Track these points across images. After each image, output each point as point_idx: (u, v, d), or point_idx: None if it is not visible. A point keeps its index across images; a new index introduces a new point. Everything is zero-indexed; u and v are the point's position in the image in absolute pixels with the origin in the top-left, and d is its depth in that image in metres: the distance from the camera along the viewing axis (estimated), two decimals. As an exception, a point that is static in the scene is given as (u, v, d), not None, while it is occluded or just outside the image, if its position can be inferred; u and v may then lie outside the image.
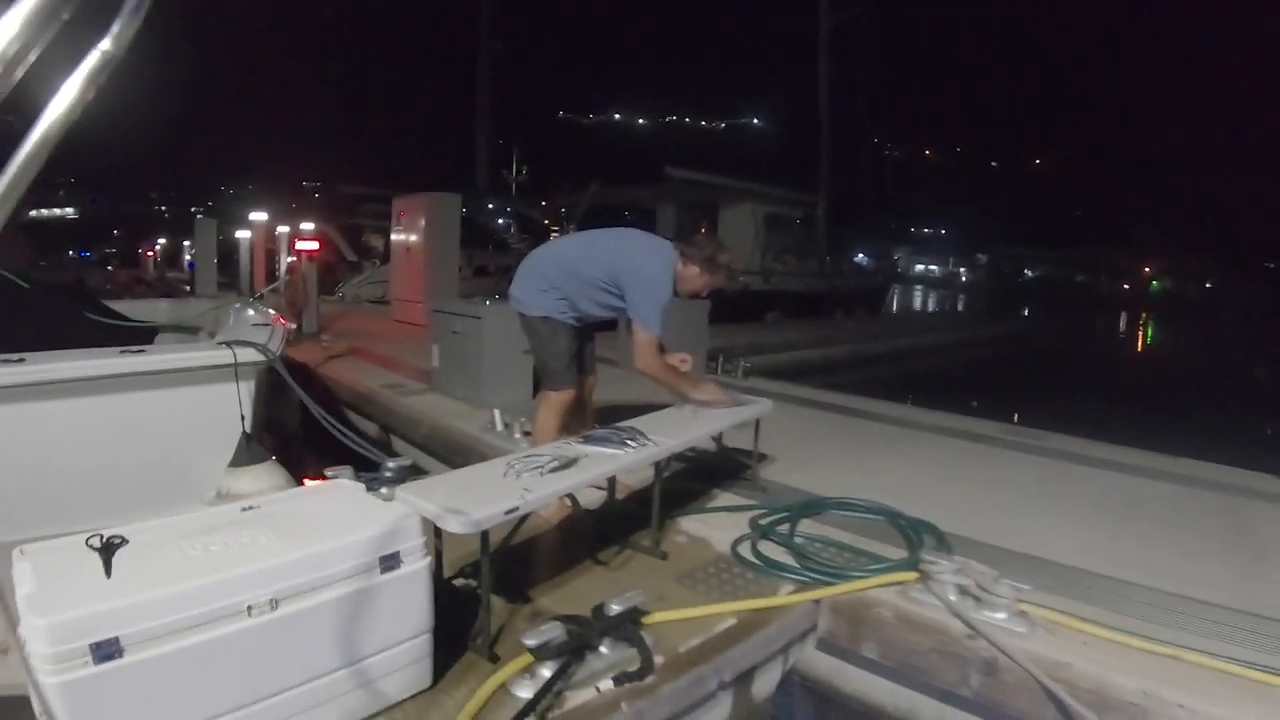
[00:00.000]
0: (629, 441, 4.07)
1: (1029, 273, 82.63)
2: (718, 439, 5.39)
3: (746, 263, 21.64)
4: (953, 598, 3.66)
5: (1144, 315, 60.03)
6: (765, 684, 3.78)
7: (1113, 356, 33.42)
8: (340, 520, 2.75)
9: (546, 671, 2.89)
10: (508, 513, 3.14)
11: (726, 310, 14.81)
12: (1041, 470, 6.37)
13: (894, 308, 37.47)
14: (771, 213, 24.13)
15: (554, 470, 3.61)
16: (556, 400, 4.66)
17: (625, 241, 4.70)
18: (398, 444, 7.75)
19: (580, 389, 4.82)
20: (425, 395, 8.30)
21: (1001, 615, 3.55)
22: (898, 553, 4.19)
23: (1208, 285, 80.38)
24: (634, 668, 3.05)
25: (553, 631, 2.99)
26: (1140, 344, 42.71)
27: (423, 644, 2.84)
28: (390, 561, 2.68)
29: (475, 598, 3.28)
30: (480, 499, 3.14)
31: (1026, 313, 47.33)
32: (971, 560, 3.89)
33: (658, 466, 4.26)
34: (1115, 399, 16.77)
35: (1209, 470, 6.49)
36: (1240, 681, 3.14)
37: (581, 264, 4.62)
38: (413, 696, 2.82)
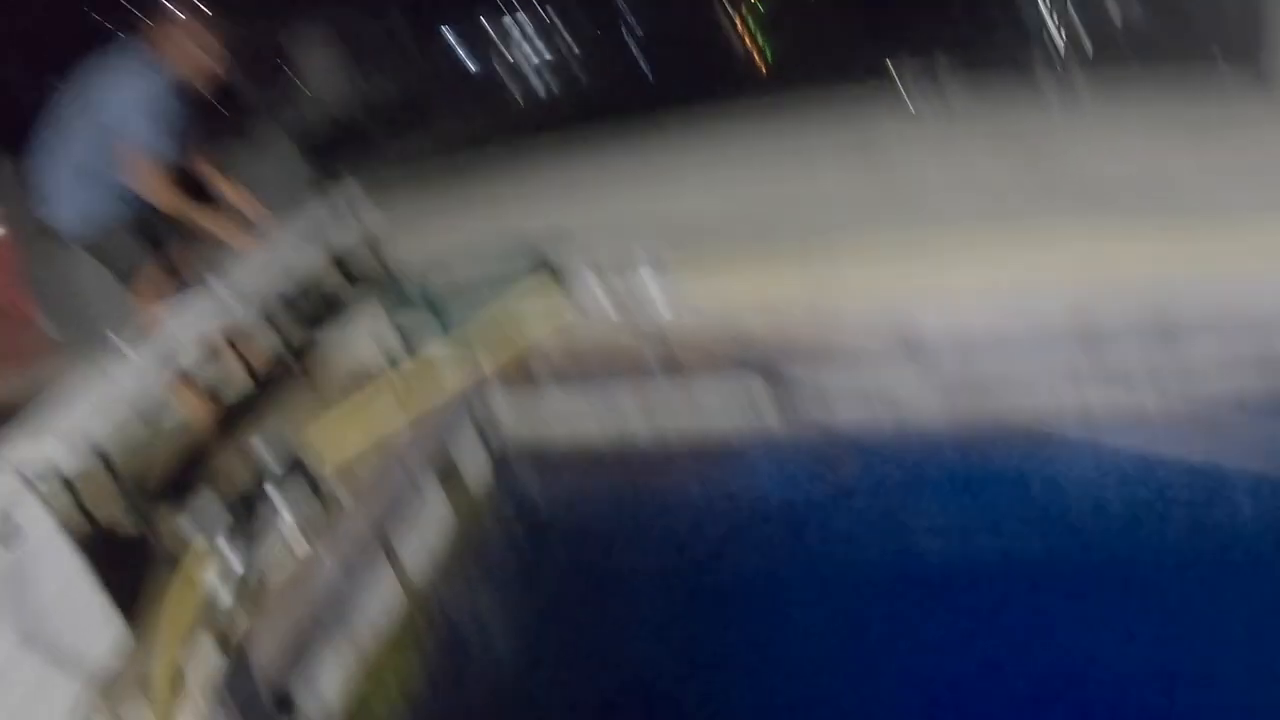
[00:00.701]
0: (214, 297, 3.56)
1: None
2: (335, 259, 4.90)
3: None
4: (601, 295, 3.71)
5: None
6: (469, 461, 3.69)
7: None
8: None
9: (228, 548, 2.62)
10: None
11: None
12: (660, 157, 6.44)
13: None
14: None
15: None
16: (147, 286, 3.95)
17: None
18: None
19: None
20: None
21: (652, 293, 3.65)
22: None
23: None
24: (313, 502, 2.87)
25: (209, 505, 2.69)
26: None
27: (99, 600, 2.45)
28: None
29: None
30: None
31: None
32: (617, 250, 3.86)
33: (258, 307, 3.82)
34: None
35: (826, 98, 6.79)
36: (878, 252, 3.56)
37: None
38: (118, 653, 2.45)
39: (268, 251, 3.98)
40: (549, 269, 3.92)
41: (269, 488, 2.81)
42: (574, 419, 3.76)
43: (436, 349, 3.73)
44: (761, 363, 3.35)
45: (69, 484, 2.63)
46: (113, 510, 3.04)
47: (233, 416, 3.90)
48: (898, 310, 3.30)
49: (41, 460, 2.42)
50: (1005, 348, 3.21)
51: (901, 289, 3.39)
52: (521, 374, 3.71)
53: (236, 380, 4.17)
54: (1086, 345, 3.12)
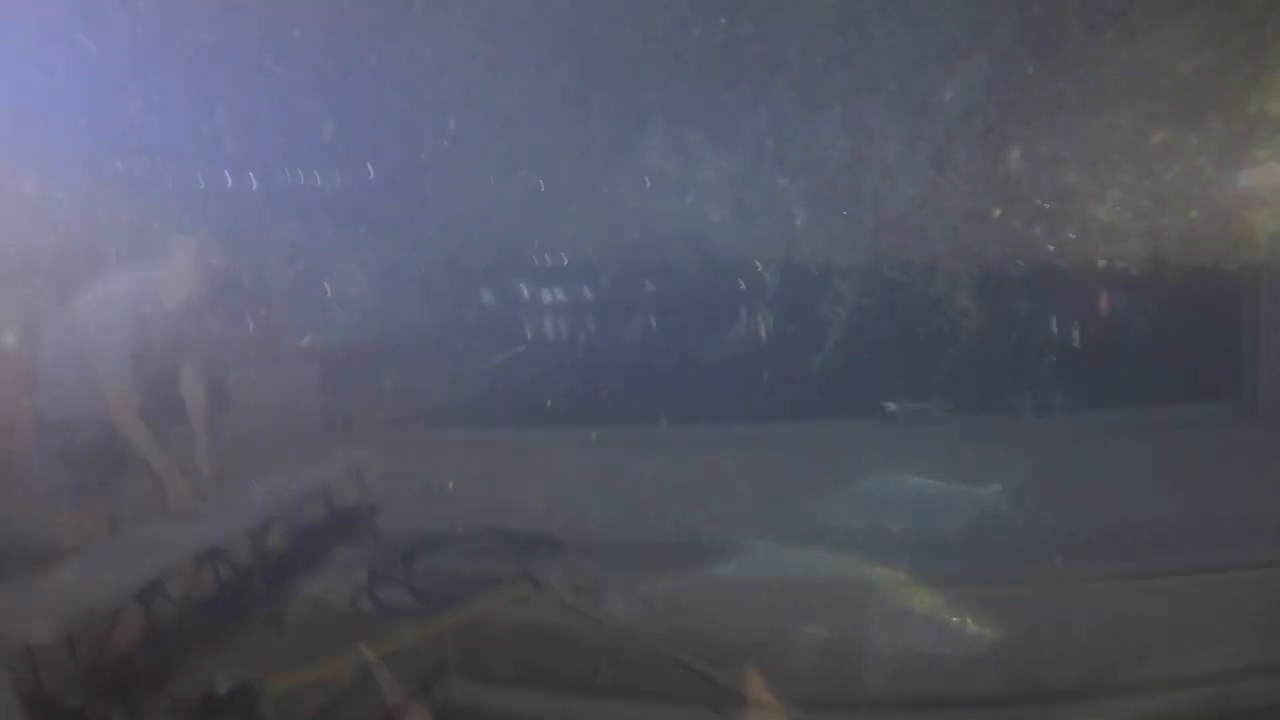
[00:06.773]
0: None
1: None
2: (327, 500, 5.16)
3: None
4: (567, 598, 3.94)
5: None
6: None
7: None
8: None
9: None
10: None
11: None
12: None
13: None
14: None
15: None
16: None
17: None
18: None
19: None
20: None
21: (619, 604, 3.89)
22: (513, 569, 4.36)
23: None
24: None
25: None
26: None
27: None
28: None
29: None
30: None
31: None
32: (584, 560, 4.23)
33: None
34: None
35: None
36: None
37: None
38: None
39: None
40: (527, 576, 4.22)
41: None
42: (523, 702, 3.76)
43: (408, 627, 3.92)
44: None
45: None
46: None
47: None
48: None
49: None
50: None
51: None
52: (479, 655, 3.82)
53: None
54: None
